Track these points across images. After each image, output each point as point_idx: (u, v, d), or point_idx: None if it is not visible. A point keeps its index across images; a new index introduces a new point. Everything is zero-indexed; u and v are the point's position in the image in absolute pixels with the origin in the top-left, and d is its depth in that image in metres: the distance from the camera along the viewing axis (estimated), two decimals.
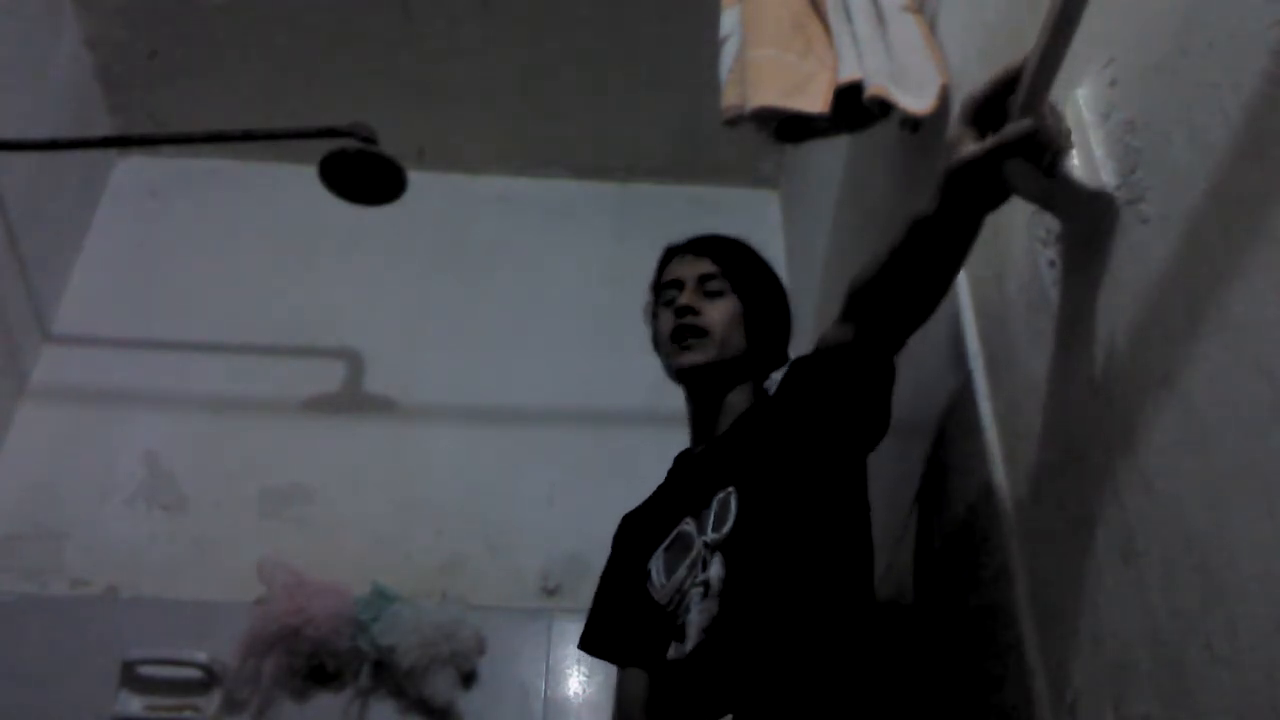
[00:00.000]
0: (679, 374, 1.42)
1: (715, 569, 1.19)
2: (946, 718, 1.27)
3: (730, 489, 1.25)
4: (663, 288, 1.48)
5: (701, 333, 1.38)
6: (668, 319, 1.43)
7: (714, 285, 1.43)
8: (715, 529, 1.23)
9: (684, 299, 1.41)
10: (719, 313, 1.40)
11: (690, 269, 1.45)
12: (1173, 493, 0.82)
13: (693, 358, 1.38)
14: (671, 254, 1.52)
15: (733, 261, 1.46)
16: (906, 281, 1.16)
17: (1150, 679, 0.84)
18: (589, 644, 1.44)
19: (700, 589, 1.20)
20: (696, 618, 1.19)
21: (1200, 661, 0.77)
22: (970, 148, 0.95)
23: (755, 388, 1.44)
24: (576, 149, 2.77)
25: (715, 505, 1.25)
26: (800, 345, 2.25)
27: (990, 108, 0.95)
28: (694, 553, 1.24)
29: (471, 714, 2.00)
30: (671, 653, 1.22)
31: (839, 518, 1.24)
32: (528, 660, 2.06)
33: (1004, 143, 0.92)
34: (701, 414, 1.43)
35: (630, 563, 1.39)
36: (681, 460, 1.47)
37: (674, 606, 1.24)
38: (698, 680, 1.17)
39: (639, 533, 1.42)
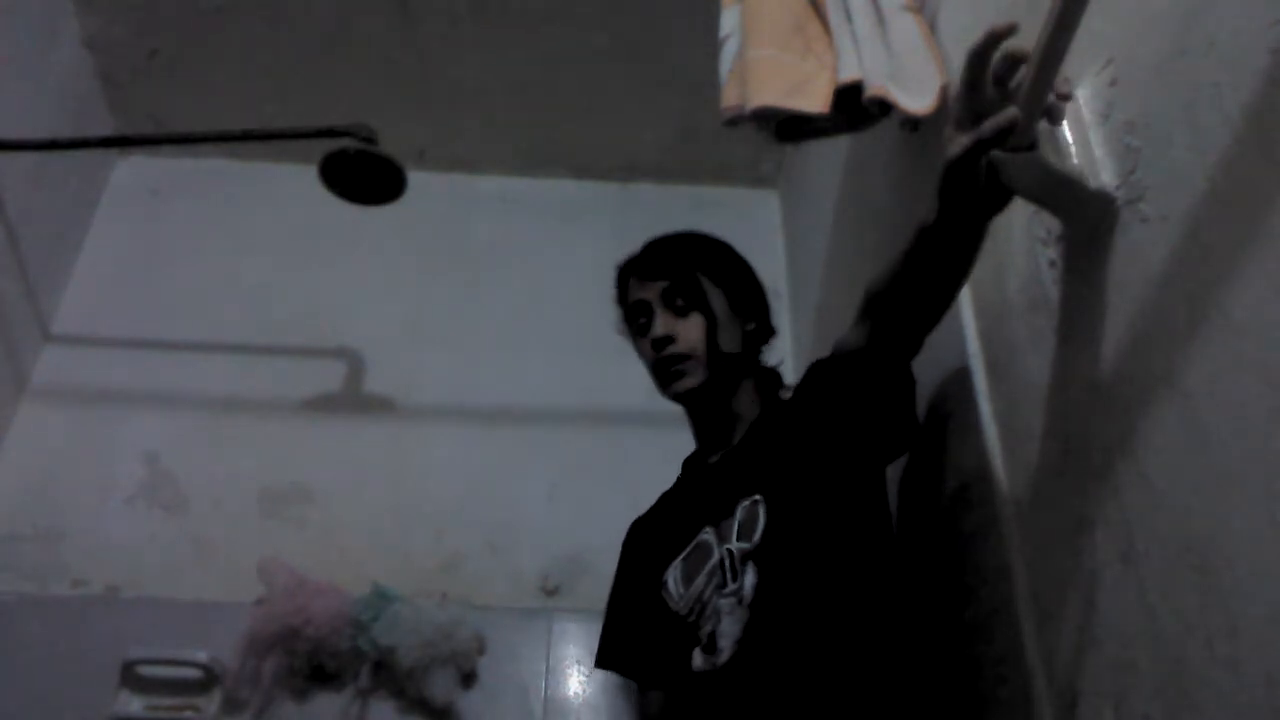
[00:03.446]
0: (676, 399, 1.42)
1: (749, 578, 1.18)
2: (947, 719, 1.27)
3: (756, 497, 1.23)
4: (630, 311, 1.46)
5: (685, 358, 1.37)
6: (646, 349, 1.42)
7: (679, 300, 1.40)
8: (742, 538, 1.21)
9: (659, 328, 1.39)
10: (695, 330, 1.38)
11: (649, 291, 1.43)
12: (1173, 493, 0.82)
13: (686, 384, 1.37)
14: (628, 272, 1.49)
15: (685, 275, 1.41)
16: (917, 288, 1.16)
17: (1150, 679, 0.84)
18: (607, 660, 1.42)
19: (731, 599, 1.18)
20: (729, 628, 1.17)
21: (1200, 661, 0.77)
22: (953, 146, 0.94)
23: (758, 386, 1.43)
24: (576, 149, 2.77)
25: (740, 513, 1.24)
26: (801, 345, 2.24)
27: (974, 104, 0.92)
28: (713, 561, 1.23)
29: (471, 714, 1.99)
30: (699, 663, 1.20)
31: (867, 524, 1.24)
32: (528, 660, 2.06)
33: (981, 138, 0.89)
34: (710, 425, 1.42)
35: (643, 572, 1.37)
36: (694, 469, 1.46)
37: (695, 616, 1.23)
38: (735, 692, 1.14)
39: (650, 541, 1.41)
